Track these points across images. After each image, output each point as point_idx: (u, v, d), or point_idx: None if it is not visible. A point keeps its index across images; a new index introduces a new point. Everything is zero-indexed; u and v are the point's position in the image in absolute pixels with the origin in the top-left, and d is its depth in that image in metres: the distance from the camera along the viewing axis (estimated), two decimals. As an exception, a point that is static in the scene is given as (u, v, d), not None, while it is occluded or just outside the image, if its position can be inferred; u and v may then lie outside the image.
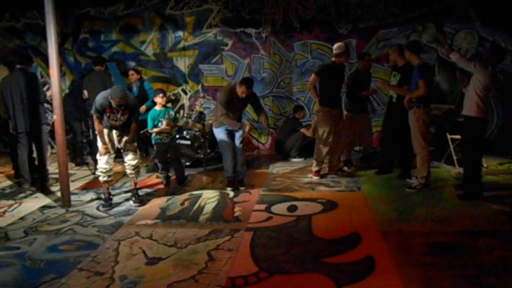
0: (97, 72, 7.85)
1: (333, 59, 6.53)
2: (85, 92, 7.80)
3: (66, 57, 9.37)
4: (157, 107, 6.50)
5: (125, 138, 5.68)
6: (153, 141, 6.57)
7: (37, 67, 9.28)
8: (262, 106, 6.70)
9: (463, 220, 4.89)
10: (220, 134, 6.31)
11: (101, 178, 5.66)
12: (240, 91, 6.06)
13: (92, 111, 5.51)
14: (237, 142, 6.31)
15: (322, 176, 6.78)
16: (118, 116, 5.49)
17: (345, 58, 6.56)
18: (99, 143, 5.57)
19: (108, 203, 5.65)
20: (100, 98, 5.41)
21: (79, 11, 9.22)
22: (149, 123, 6.46)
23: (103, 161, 5.58)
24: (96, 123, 5.50)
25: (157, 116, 6.43)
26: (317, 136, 6.74)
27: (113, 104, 5.34)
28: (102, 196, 5.81)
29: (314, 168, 6.78)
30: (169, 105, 7.91)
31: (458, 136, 6.94)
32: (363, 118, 7.40)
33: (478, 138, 5.44)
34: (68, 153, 8.64)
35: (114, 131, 5.66)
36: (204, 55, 9.03)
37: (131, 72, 8.48)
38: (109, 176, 5.68)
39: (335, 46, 6.47)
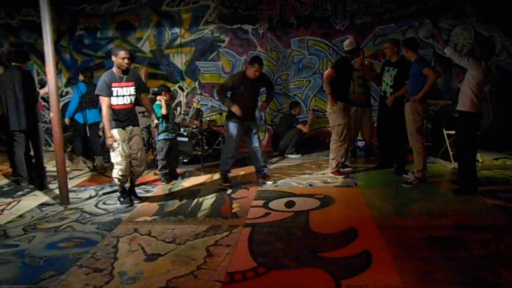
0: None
1: (344, 54, 6.49)
2: None
3: (62, 55, 9.35)
4: (159, 102, 6.51)
5: (133, 130, 5.54)
6: (159, 138, 6.51)
7: (33, 64, 9.27)
8: (273, 93, 6.55)
9: (458, 215, 4.93)
10: (229, 127, 6.19)
11: (116, 181, 5.58)
12: (253, 70, 5.91)
13: (98, 92, 5.23)
14: (254, 142, 6.28)
15: (347, 174, 6.64)
16: (125, 89, 5.34)
17: (356, 54, 6.56)
18: (110, 142, 5.29)
19: (127, 199, 5.64)
20: (104, 75, 5.31)
21: (74, 8, 9.19)
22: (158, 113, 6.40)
23: (122, 167, 5.40)
24: (104, 106, 5.22)
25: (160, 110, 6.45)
26: (334, 134, 6.56)
27: (121, 61, 5.25)
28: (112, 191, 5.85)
29: (335, 168, 6.64)
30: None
31: (454, 132, 6.98)
32: (366, 112, 7.51)
33: (473, 133, 5.48)
34: (73, 149, 8.69)
35: (122, 130, 5.40)
36: (201, 52, 9.04)
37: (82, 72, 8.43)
38: (126, 182, 5.66)
39: (347, 42, 6.35)
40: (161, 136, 6.54)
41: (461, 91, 5.56)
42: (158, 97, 6.59)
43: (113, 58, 5.32)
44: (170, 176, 6.73)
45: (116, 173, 5.47)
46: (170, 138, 6.59)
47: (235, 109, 5.97)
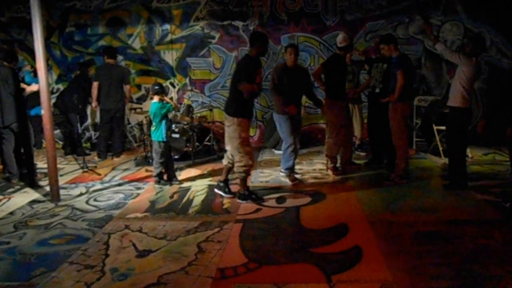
0: (113, 65, 8.00)
1: (337, 51, 6.36)
2: (94, 84, 7.89)
3: (52, 51, 9.28)
4: (156, 100, 6.17)
5: None
6: (164, 139, 6.14)
7: (23, 61, 9.18)
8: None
9: (448, 210, 4.98)
10: (283, 121, 6.09)
11: (244, 176, 5.41)
12: (287, 57, 5.97)
13: (243, 79, 5.03)
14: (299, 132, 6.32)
15: (340, 173, 6.59)
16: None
17: (350, 50, 6.41)
18: (241, 128, 5.23)
19: (255, 197, 5.49)
20: (248, 61, 5.20)
21: (64, 4, 9.12)
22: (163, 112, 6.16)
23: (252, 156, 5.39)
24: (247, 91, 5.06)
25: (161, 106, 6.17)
26: (326, 131, 6.62)
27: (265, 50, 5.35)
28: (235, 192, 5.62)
29: (330, 165, 6.65)
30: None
31: (444, 127, 7.02)
32: (357, 108, 7.52)
33: (463, 129, 5.52)
34: (65, 145, 8.65)
35: None
36: (192, 48, 9.02)
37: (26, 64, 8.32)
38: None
39: (340, 38, 6.23)
40: (165, 138, 6.20)
41: (452, 87, 5.60)
42: (163, 97, 6.22)
43: (260, 48, 5.23)
44: (169, 178, 6.40)
45: (247, 164, 5.33)
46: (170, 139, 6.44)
47: None
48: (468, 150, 6.63)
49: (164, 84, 9.08)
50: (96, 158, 8.10)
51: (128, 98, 8.17)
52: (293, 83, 5.99)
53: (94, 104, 7.96)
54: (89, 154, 8.35)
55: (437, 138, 7.37)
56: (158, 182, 6.27)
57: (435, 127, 7.38)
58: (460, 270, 3.56)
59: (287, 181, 6.24)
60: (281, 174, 6.41)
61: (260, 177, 6.56)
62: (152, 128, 6.23)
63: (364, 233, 4.39)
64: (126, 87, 8.01)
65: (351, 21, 8.60)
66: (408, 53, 7.74)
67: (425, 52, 8.54)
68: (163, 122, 6.13)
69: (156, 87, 6.21)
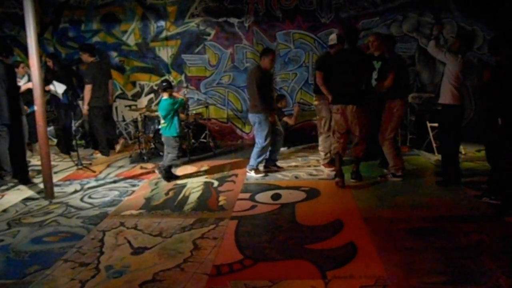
0: (99, 62, 8.03)
1: (329, 50, 6.49)
2: (89, 87, 7.79)
3: (46, 47, 9.23)
4: (166, 96, 6.18)
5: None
6: (178, 133, 6.24)
7: (16, 57, 9.12)
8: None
9: (441, 206, 5.02)
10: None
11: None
12: (270, 59, 6.23)
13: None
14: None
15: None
16: None
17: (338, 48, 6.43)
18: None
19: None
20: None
21: (58, 0, 9.07)
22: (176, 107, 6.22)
23: None
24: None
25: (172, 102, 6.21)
26: (319, 126, 6.77)
27: None
28: None
29: (325, 161, 6.75)
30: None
31: (437, 124, 7.06)
32: None
33: (455, 125, 5.55)
34: (58, 143, 8.59)
35: None
36: (187, 45, 8.99)
37: (22, 65, 8.09)
38: None
39: (333, 37, 6.32)
40: (179, 132, 6.26)
41: (441, 85, 5.64)
42: (173, 93, 6.27)
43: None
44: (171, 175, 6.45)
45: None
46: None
47: None
48: (461, 147, 6.66)
49: (159, 81, 9.08)
50: (99, 155, 8.06)
51: (112, 93, 8.21)
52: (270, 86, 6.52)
53: (86, 107, 7.87)
54: (75, 151, 8.27)
55: (431, 135, 7.41)
56: (168, 178, 6.31)
57: (428, 124, 7.42)
58: (453, 265, 3.60)
59: (283, 178, 6.28)
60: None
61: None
62: (164, 125, 6.22)
63: (359, 229, 4.42)
64: (110, 81, 8.12)
65: (346, 18, 8.60)
66: (402, 51, 7.80)
67: (418, 50, 8.56)
68: (176, 117, 6.19)
69: (164, 84, 6.22)
